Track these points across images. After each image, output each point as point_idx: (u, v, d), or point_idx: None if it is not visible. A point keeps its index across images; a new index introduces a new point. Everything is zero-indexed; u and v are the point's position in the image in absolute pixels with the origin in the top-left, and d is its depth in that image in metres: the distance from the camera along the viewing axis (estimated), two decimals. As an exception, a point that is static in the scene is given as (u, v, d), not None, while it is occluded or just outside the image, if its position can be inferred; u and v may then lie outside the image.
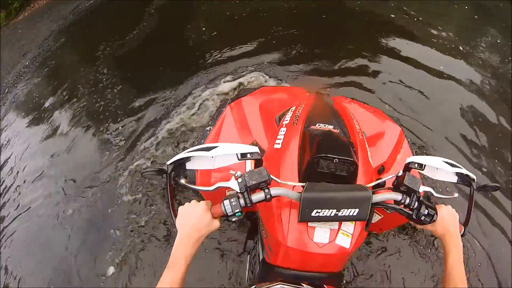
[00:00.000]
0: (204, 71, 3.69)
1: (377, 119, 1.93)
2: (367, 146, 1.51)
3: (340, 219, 1.02)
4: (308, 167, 1.18)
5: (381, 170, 1.62)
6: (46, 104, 4.15)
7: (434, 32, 4.03)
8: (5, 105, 4.64)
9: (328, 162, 1.15)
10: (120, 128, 3.37)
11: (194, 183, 1.54)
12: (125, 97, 3.74)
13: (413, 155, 1.91)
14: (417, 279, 2.24)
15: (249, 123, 1.66)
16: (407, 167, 1.09)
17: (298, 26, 4.06)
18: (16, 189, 3.25)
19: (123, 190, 2.77)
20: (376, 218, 1.61)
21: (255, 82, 3.36)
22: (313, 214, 0.99)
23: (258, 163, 1.06)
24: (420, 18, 4.17)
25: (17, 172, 3.40)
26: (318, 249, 1.08)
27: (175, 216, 1.02)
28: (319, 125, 1.40)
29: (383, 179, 1.19)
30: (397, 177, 1.07)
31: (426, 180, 2.31)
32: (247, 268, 1.65)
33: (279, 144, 1.40)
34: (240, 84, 3.38)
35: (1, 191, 3.30)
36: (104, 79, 4.08)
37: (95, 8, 6.04)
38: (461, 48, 3.86)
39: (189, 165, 1.10)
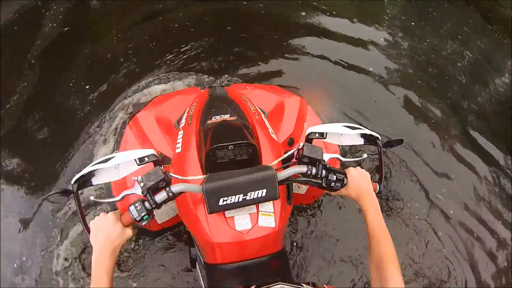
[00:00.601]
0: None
1: (274, 95, 1.97)
2: (266, 123, 1.52)
3: (251, 203, 1.01)
4: (207, 161, 1.19)
5: (290, 142, 1.64)
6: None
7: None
8: None
9: (225, 151, 1.17)
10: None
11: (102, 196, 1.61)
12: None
13: (321, 119, 1.99)
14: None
15: (149, 137, 1.64)
16: (309, 139, 1.11)
17: (206, 36, 3.76)
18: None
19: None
20: (303, 188, 1.63)
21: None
22: (220, 203, 0.98)
23: (156, 164, 1.07)
24: (334, 13, 4.22)
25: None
26: (245, 236, 1.07)
27: (89, 233, 1.02)
28: (214, 117, 1.40)
29: (287, 154, 1.18)
30: (298, 150, 1.08)
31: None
32: (199, 275, 1.63)
33: (179, 148, 1.41)
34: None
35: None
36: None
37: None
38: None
39: (95, 180, 1.10)
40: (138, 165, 1.07)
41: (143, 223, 1.01)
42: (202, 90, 2.11)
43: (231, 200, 0.98)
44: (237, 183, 0.98)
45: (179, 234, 2.31)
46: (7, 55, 3.49)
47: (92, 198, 1.14)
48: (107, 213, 1.03)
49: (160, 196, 0.99)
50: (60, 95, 3.17)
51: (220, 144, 1.16)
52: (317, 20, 4.09)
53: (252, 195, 0.98)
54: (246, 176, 0.99)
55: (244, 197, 0.98)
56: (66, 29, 3.78)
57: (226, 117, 1.39)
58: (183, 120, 1.58)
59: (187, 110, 1.68)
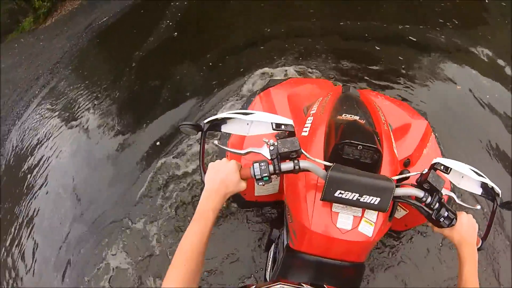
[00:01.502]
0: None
1: (403, 112, 1.94)
2: (392, 137, 1.52)
3: (361, 205, 1.03)
4: (333, 153, 1.20)
5: (407, 163, 1.62)
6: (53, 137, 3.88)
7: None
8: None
9: (353, 149, 1.18)
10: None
11: (227, 144, 1.62)
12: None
13: (441, 150, 1.92)
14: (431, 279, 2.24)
15: (278, 112, 1.67)
16: (433, 167, 1.07)
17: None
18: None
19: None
20: (402, 213, 1.60)
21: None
22: (336, 194, 1.01)
23: (291, 135, 1.07)
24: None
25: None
26: (341, 235, 1.08)
27: (204, 172, 1.06)
28: (345, 115, 1.40)
29: (407, 175, 1.17)
30: (422, 174, 1.06)
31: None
32: (270, 257, 1.67)
33: (306, 132, 1.43)
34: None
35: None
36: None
37: (108, 26, 6.12)
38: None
39: (224, 128, 1.15)
40: (273, 129, 1.09)
41: (260, 183, 1.03)
42: (335, 86, 2.14)
43: (346, 196, 1.01)
44: (359, 182, 1.00)
45: (264, 214, 2.39)
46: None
47: (216, 142, 1.22)
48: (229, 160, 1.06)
49: (287, 166, 1.03)
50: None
51: (351, 141, 1.17)
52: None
53: (366, 199, 1.00)
54: (369, 179, 1.01)
55: (359, 197, 1.01)
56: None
57: (357, 118, 1.39)
58: (315, 108, 1.61)
59: (319, 100, 1.70)
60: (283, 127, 1.08)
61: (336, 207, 1.10)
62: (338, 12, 4.51)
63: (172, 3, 5.54)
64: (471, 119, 3.16)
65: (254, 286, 0.90)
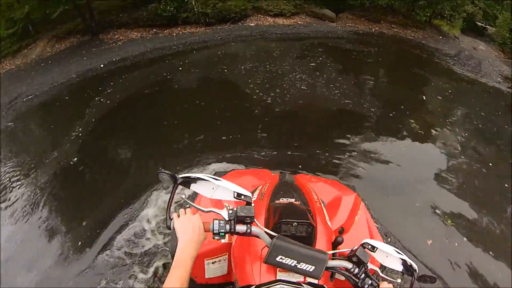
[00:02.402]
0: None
1: (334, 189, 2.26)
2: (325, 212, 1.75)
3: (298, 271, 1.16)
4: (273, 231, 1.33)
5: (341, 230, 1.80)
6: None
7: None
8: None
9: (289, 226, 1.35)
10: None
11: (193, 201, 1.76)
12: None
13: (371, 214, 2.27)
14: None
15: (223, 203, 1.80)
16: (362, 245, 1.24)
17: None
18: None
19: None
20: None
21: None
22: (277, 259, 1.15)
23: (248, 205, 1.25)
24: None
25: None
26: None
27: (171, 219, 1.24)
28: (282, 199, 1.61)
29: (341, 250, 1.36)
30: (352, 250, 1.24)
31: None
32: None
33: None
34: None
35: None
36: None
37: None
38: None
39: (193, 187, 1.30)
40: (234, 198, 1.25)
41: (216, 237, 1.19)
42: (273, 174, 2.41)
43: (285, 261, 1.14)
44: (298, 252, 1.15)
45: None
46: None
47: (184, 197, 1.44)
48: (191, 213, 1.24)
49: (241, 228, 1.20)
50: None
51: (287, 220, 1.35)
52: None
53: (303, 266, 1.14)
54: (307, 250, 1.17)
55: (296, 264, 1.14)
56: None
57: (292, 200, 1.59)
58: (256, 195, 1.80)
59: (259, 187, 1.93)
60: (242, 197, 1.25)
61: (280, 274, 1.25)
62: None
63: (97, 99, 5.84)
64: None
65: (254, 286, 1.03)
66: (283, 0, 11.22)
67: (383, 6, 13.02)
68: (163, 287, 1.02)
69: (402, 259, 1.27)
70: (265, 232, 1.25)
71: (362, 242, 1.26)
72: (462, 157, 4.94)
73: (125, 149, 4.46)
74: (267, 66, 6.89)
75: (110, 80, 6.57)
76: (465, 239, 3.40)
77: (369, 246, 1.25)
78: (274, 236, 1.21)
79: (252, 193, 1.84)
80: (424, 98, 7.03)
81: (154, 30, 9.69)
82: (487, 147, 5.41)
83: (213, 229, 1.19)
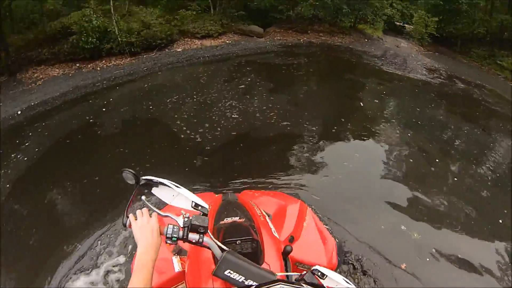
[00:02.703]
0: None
1: (278, 200, 2.31)
2: (270, 224, 1.77)
3: (248, 287, 1.16)
4: None
5: (291, 239, 1.84)
6: None
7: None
8: None
9: (233, 245, 1.37)
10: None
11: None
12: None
13: (319, 217, 2.34)
14: None
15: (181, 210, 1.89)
16: (311, 271, 1.27)
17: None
18: None
19: None
20: None
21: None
22: (226, 272, 1.16)
23: (204, 216, 1.27)
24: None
25: None
26: None
27: (127, 217, 1.27)
28: (226, 219, 1.62)
29: (294, 274, 1.41)
30: (301, 275, 1.27)
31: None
32: None
33: None
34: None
35: None
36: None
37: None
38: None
39: (154, 191, 1.35)
40: (192, 207, 1.29)
41: (168, 241, 1.21)
42: (217, 195, 2.38)
43: (233, 276, 1.15)
44: (246, 268, 1.17)
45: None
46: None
47: (143, 198, 1.37)
48: (150, 214, 1.26)
49: (193, 236, 1.22)
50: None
51: (230, 239, 1.37)
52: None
53: (250, 283, 1.15)
54: (255, 268, 1.18)
55: (244, 281, 1.15)
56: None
57: (236, 219, 1.62)
58: None
59: None
60: (200, 207, 1.28)
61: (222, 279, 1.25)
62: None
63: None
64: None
65: (254, 286, 1.01)
66: (210, 21, 11.07)
67: (309, 16, 13.40)
68: None
69: None
70: (217, 245, 1.26)
71: (313, 268, 1.27)
72: (407, 152, 5.25)
73: (43, 218, 3.85)
74: (195, 96, 6.56)
75: (28, 129, 5.80)
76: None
77: (319, 273, 1.26)
78: (225, 250, 1.23)
79: None
80: (362, 104, 7.12)
81: (77, 64, 8.84)
82: (427, 142, 5.73)
83: (166, 233, 1.21)
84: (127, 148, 4.94)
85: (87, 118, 5.93)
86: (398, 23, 17.77)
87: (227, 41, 10.53)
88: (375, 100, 7.60)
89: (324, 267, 1.31)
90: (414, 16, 16.27)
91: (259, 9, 12.58)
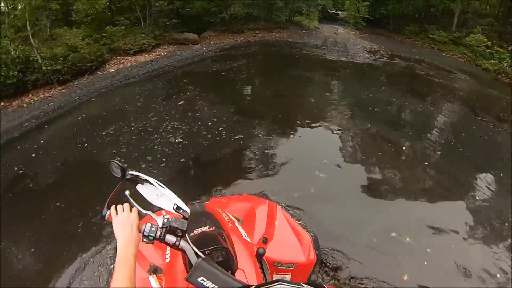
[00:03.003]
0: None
1: (244, 202, 2.30)
2: (240, 229, 1.76)
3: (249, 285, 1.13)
4: (190, 266, 1.32)
5: (264, 240, 1.83)
6: None
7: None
8: None
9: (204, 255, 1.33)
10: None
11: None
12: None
13: (290, 214, 2.32)
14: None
15: (142, 250, 1.80)
16: None
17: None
18: None
19: None
20: (287, 278, 1.82)
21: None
22: (199, 279, 1.12)
23: (185, 219, 1.28)
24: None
25: None
26: None
27: (107, 209, 1.30)
28: (196, 230, 1.59)
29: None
30: None
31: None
32: None
33: (168, 258, 1.60)
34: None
35: None
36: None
37: None
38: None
39: (139, 187, 1.37)
40: (174, 209, 1.29)
41: (145, 239, 1.22)
42: None
43: (206, 284, 1.12)
44: (220, 278, 1.13)
45: None
46: None
47: (127, 193, 1.36)
48: (130, 209, 1.28)
49: (170, 238, 1.24)
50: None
51: (200, 250, 1.32)
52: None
53: None
54: (229, 279, 1.14)
55: None
56: None
57: (205, 228, 1.61)
58: None
59: None
60: (181, 211, 1.28)
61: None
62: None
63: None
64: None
65: (254, 286, 1.00)
66: (142, 34, 10.57)
67: (243, 16, 13.32)
68: (111, 287, 1.06)
69: None
70: (193, 250, 1.28)
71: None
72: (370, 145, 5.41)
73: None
74: (133, 124, 5.95)
75: None
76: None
77: None
78: (200, 256, 1.24)
79: None
80: (313, 100, 7.18)
81: (2, 103, 7.79)
82: (389, 129, 6.01)
83: (144, 231, 1.22)
84: (63, 201, 4.20)
85: (16, 169, 5.06)
86: (331, 11, 18.25)
87: (162, 54, 10.07)
88: (326, 93, 7.69)
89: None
90: (346, 2, 16.83)
91: (192, 15, 12.28)
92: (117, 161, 1.33)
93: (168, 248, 1.65)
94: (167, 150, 5.03)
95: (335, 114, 6.41)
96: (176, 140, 5.30)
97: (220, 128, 5.57)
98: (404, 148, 5.37)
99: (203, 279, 1.13)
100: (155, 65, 9.27)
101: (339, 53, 11.60)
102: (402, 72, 10.27)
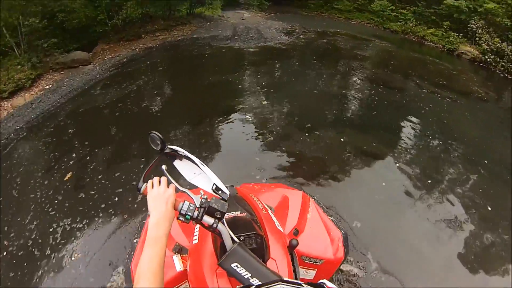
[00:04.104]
0: None
1: (279, 192, 2.23)
2: (273, 217, 1.73)
3: (251, 285, 1.08)
4: (220, 250, 1.31)
5: (296, 232, 1.79)
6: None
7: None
8: None
9: None
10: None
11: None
12: None
13: (323, 208, 2.25)
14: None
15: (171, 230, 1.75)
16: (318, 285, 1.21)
17: None
18: None
19: None
20: (311, 273, 1.79)
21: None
22: (232, 265, 1.13)
23: (224, 201, 1.26)
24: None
25: None
26: None
27: (144, 183, 1.27)
28: (227, 214, 1.46)
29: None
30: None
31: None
32: None
33: (196, 239, 1.57)
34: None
35: None
36: None
37: None
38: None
39: (176, 163, 1.42)
40: (213, 190, 1.29)
41: (181, 218, 1.18)
42: None
43: (240, 271, 1.12)
44: (254, 266, 1.13)
45: None
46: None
47: (163, 167, 1.34)
48: (167, 185, 1.23)
49: (208, 219, 1.21)
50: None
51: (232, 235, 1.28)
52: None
53: (255, 282, 1.09)
54: (264, 268, 1.13)
55: (249, 278, 1.10)
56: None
57: (237, 213, 1.55)
58: None
59: None
60: (220, 192, 1.30)
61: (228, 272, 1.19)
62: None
63: None
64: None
65: (254, 286, 1.00)
66: (16, 65, 8.77)
67: (138, 17, 11.95)
68: (138, 268, 0.98)
69: None
70: (230, 235, 1.24)
71: (319, 282, 1.13)
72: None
73: None
74: (6, 228, 3.97)
75: None
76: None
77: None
78: (236, 242, 1.21)
79: None
80: (250, 118, 6.02)
81: None
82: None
83: (181, 209, 1.18)
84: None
85: None
86: None
87: (47, 87, 8.34)
88: (257, 99, 6.82)
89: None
90: None
91: (79, 27, 10.64)
92: (157, 133, 1.27)
93: (197, 228, 1.65)
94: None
95: (271, 120, 5.91)
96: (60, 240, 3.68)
97: (130, 200, 4.10)
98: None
99: (236, 265, 1.12)
100: (37, 108, 7.24)
101: (255, 40, 11.02)
102: (327, 48, 10.53)
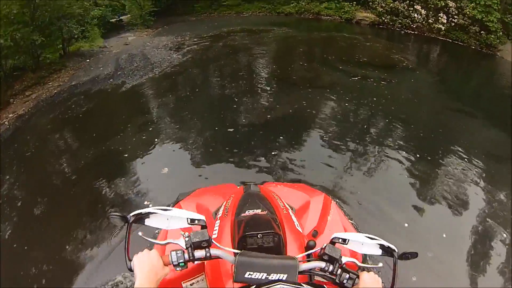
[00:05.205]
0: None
1: (301, 192, 2.29)
2: (293, 217, 1.77)
3: (272, 282, 1.08)
4: (238, 247, 1.36)
5: (314, 233, 1.79)
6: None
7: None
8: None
9: (254, 238, 1.35)
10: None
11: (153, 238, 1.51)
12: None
13: (344, 212, 2.38)
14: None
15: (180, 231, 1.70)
16: (331, 241, 1.25)
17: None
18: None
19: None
20: None
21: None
22: (246, 275, 1.10)
23: (203, 228, 1.23)
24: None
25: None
26: None
27: (130, 260, 1.17)
28: (248, 211, 1.59)
29: (313, 251, 1.34)
30: (321, 248, 1.23)
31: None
32: None
33: (215, 234, 1.61)
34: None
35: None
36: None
37: None
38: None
39: (147, 222, 1.32)
40: (189, 224, 1.26)
41: (178, 269, 1.18)
42: (238, 187, 2.43)
43: (255, 276, 1.10)
44: (265, 263, 1.12)
45: None
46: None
47: (140, 234, 1.27)
48: (150, 250, 1.18)
49: (199, 253, 1.19)
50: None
51: (251, 232, 1.36)
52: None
53: (274, 276, 1.09)
54: (274, 260, 1.14)
55: (267, 276, 1.09)
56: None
57: (258, 211, 1.60)
58: (221, 211, 1.84)
59: (224, 203, 1.94)
60: (196, 221, 1.26)
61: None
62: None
63: None
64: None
65: (254, 286, 1.05)
66: None
67: (4, 74, 10.22)
68: None
69: (378, 244, 1.29)
70: (227, 251, 1.24)
71: (332, 237, 1.27)
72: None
73: None
74: None
75: None
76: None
77: (340, 240, 1.27)
78: (237, 253, 1.20)
79: (218, 209, 1.98)
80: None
81: None
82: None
83: (172, 261, 1.18)
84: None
85: None
86: (113, 20, 15.83)
87: None
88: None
89: (349, 264, 1.34)
90: (126, 4, 14.89)
91: None
92: (115, 213, 1.23)
93: (217, 225, 1.68)
94: None
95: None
96: None
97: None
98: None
99: (250, 274, 1.11)
100: None
101: (142, 70, 9.67)
102: (227, 54, 9.85)
